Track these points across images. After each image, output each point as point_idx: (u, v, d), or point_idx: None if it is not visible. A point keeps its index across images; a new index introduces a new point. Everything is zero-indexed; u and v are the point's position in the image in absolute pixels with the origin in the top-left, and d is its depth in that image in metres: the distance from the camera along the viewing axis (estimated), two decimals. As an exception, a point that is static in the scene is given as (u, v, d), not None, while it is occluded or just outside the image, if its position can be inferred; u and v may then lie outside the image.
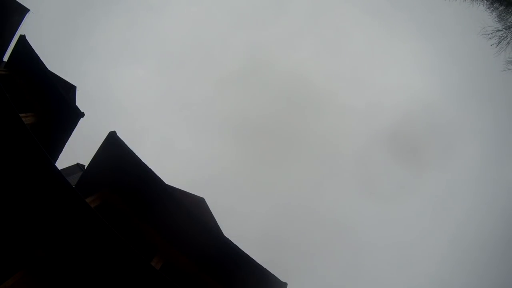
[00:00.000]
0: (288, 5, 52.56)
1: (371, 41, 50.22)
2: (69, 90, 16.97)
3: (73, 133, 14.78)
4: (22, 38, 14.44)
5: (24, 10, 15.35)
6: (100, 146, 11.66)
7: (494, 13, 12.47)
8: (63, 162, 16.76)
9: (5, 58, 15.00)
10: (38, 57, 14.30)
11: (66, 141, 14.93)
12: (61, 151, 15.00)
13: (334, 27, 55.35)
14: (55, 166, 9.02)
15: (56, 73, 16.30)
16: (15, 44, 14.64)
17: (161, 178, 11.82)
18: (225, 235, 12.85)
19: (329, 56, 59.49)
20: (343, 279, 42.53)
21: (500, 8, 12.26)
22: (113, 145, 11.56)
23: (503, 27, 12.10)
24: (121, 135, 11.61)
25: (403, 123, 52.17)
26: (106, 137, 11.56)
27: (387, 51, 52.05)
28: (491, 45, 11.98)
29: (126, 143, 11.64)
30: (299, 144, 56.94)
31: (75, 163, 17.94)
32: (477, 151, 42.93)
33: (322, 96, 59.30)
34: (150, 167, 11.70)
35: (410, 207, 49.48)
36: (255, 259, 12.03)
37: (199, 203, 14.79)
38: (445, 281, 38.20)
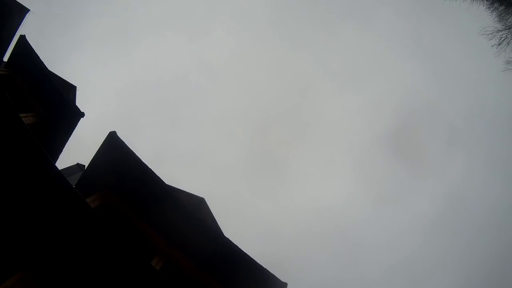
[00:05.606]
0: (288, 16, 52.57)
1: (371, 42, 50.20)
2: (69, 90, 16.97)
3: (73, 133, 14.78)
4: (22, 38, 14.43)
5: (24, 10, 15.36)
6: (100, 146, 11.65)
7: (494, 13, 12.48)
8: (63, 162, 16.76)
9: (5, 58, 14.99)
10: (38, 57, 14.29)
11: (66, 141, 14.92)
12: (61, 151, 14.99)
13: (332, 30, 55.32)
14: (55, 166, 9.02)
15: (56, 73, 16.31)
16: (15, 44, 14.63)
17: (161, 178, 11.81)
18: (225, 235, 12.85)
19: (328, 56, 59.41)
20: (342, 279, 42.51)
21: (500, 8, 12.27)
22: (113, 145, 11.55)
23: (503, 27, 12.10)
24: (121, 135, 11.62)
25: (403, 125, 52.12)
26: (106, 137, 11.55)
27: (387, 52, 52.01)
28: (492, 46, 11.98)
29: (126, 143, 11.64)
30: (299, 145, 56.91)
31: (75, 163, 17.93)
32: (476, 152, 42.91)
33: (322, 98, 59.25)
34: (150, 167, 11.70)
35: (408, 209, 49.46)
36: (255, 259, 12.02)
37: (199, 203, 14.77)
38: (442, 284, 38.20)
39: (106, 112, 47.59)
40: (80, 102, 17.55)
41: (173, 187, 13.60)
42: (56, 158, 14.74)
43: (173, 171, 46.07)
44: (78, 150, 18.26)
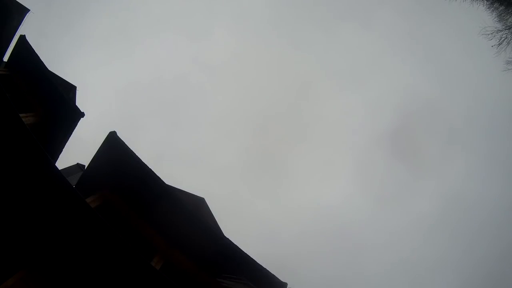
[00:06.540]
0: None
1: (371, 41, 50.19)
2: (69, 90, 16.97)
3: (73, 133, 14.79)
4: (22, 38, 14.43)
5: (24, 10, 15.36)
6: (100, 146, 11.65)
7: (494, 13, 12.48)
8: (63, 162, 16.74)
9: (5, 58, 14.99)
10: (38, 57, 14.28)
11: (66, 141, 14.93)
12: (61, 151, 14.99)
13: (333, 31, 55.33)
14: (55, 166, 9.01)
15: (56, 73, 16.30)
16: (15, 44, 14.63)
17: (161, 178, 11.81)
18: (225, 235, 12.85)
19: (328, 56, 59.39)
20: (342, 278, 42.52)
21: (500, 8, 12.27)
22: (113, 145, 11.55)
23: (503, 27, 12.10)
24: (121, 135, 11.63)
25: (402, 125, 52.13)
26: (106, 137, 11.55)
27: (387, 52, 52.00)
28: (492, 46, 11.98)
29: (126, 143, 11.64)
30: (299, 145, 56.91)
31: (75, 163, 17.93)
32: (476, 152, 42.88)
33: (322, 97, 59.27)
34: (150, 167, 11.70)
35: (408, 209, 49.47)
36: (255, 259, 12.03)
37: (199, 203, 14.77)
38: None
39: (106, 112, 47.62)
40: (80, 102, 17.55)
41: (173, 187, 13.60)
42: (56, 158, 14.74)
43: (173, 171, 46.07)
44: (78, 150, 18.28)
